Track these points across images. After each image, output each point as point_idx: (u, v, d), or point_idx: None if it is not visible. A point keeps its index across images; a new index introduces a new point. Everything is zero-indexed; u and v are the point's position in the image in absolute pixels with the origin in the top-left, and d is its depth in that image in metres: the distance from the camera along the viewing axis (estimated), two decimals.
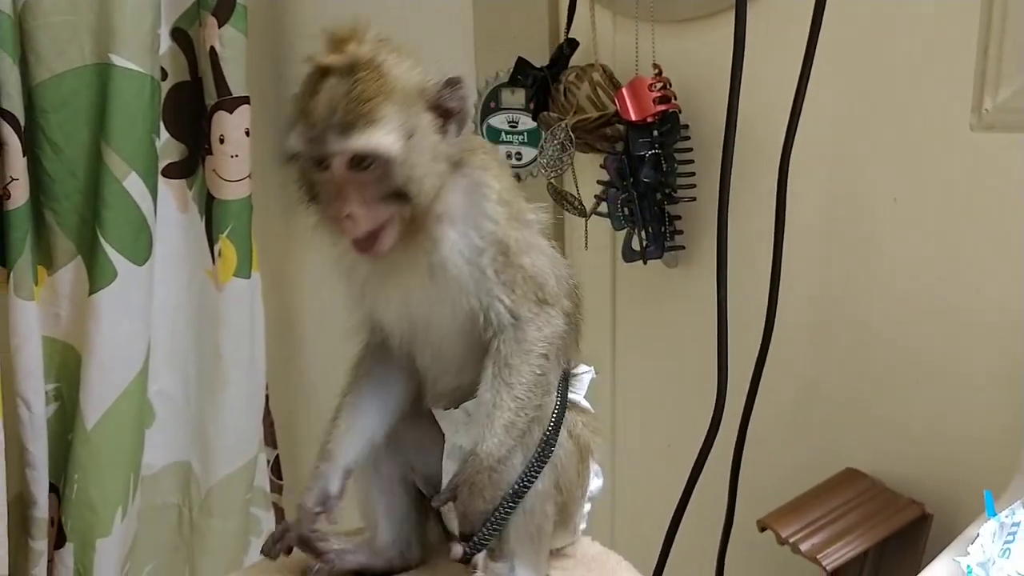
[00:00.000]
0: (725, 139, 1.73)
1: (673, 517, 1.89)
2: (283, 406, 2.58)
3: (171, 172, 2.26)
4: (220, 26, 2.19)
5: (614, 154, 1.96)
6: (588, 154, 2.03)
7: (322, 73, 1.22)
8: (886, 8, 1.77)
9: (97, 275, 2.08)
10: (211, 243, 2.31)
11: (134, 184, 2.09)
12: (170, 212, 2.25)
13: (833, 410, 1.96)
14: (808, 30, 1.67)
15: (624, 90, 1.91)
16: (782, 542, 1.75)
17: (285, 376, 2.63)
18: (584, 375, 1.46)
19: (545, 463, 1.33)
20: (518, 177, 2.23)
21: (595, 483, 1.48)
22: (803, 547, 1.73)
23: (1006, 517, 1.35)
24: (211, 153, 2.27)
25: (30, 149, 2.02)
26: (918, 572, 1.39)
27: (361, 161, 1.20)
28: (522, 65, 2.05)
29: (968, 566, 1.27)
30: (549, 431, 1.34)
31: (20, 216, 2.00)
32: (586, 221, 2.07)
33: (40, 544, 2.11)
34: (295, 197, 1.31)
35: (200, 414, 2.38)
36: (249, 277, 2.32)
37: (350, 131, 1.19)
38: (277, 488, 2.59)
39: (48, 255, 2.11)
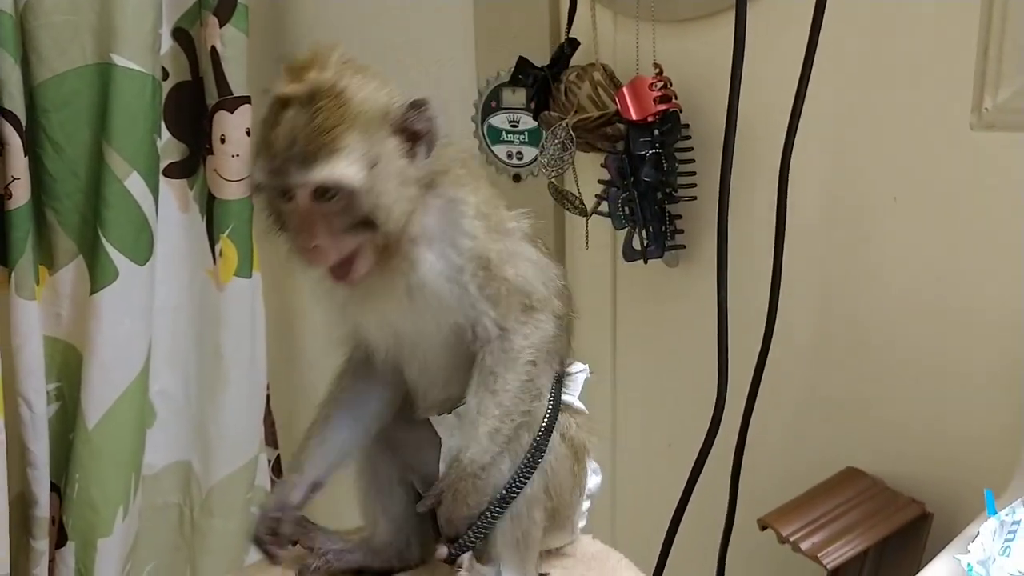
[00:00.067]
0: (725, 138, 1.73)
1: (674, 516, 1.90)
2: (284, 406, 2.57)
3: (172, 172, 2.26)
4: (221, 26, 2.19)
5: (615, 153, 1.96)
6: (589, 153, 2.03)
7: (283, 103, 1.19)
8: (886, 8, 1.77)
9: (98, 275, 2.09)
10: (212, 243, 2.31)
11: (135, 184, 2.09)
12: (171, 212, 2.25)
13: (833, 409, 1.96)
14: (808, 30, 1.67)
15: (625, 89, 1.91)
16: (783, 541, 1.75)
17: (286, 376, 2.63)
18: (578, 375, 1.46)
19: (535, 468, 1.33)
20: (518, 177, 2.23)
21: (593, 481, 1.48)
22: (804, 546, 1.73)
23: (1006, 515, 1.35)
24: (212, 153, 2.27)
25: (31, 148, 2.02)
26: (918, 571, 1.39)
27: (324, 192, 1.18)
28: (523, 65, 2.05)
29: (968, 564, 1.27)
30: (539, 436, 1.33)
31: (21, 216, 2.00)
32: (587, 220, 2.07)
33: (41, 543, 2.11)
34: (266, 225, 1.29)
35: (201, 414, 2.38)
36: (250, 277, 2.32)
37: (311, 163, 1.16)
38: None
39: (49, 255, 2.11)
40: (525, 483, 1.32)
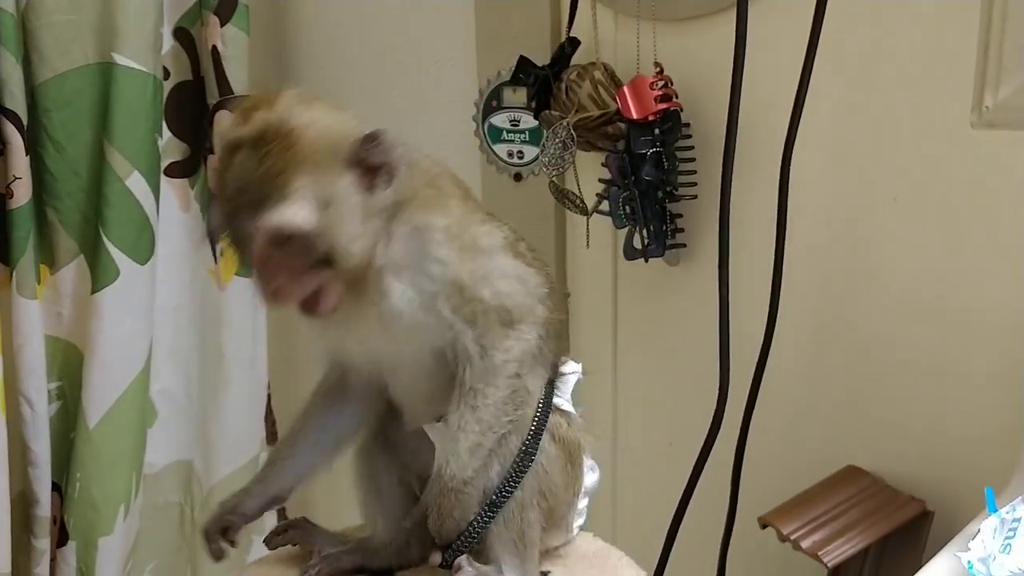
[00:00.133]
0: (727, 137, 1.73)
1: (675, 514, 1.90)
2: (285, 405, 2.57)
3: (173, 171, 2.26)
4: (222, 25, 2.20)
5: (615, 152, 1.96)
6: (590, 152, 2.03)
7: (233, 147, 1.17)
8: (887, 6, 1.77)
9: (99, 274, 2.09)
10: (213, 242, 2.31)
11: (136, 183, 2.09)
12: (172, 211, 2.25)
13: (834, 408, 1.96)
14: (809, 28, 1.67)
15: (625, 88, 1.91)
16: (783, 539, 1.75)
17: (287, 375, 2.63)
18: (570, 376, 1.45)
19: (524, 473, 1.32)
20: (519, 176, 2.24)
21: (590, 478, 1.48)
22: (804, 544, 1.73)
23: (1007, 513, 1.35)
24: (213, 152, 2.27)
25: (33, 148, 2.02)
26: (919, 569, 1.39)
27: (279, 237, 1.16)
28: (524, 64, 2.05)
29: (969, 562, 1.27)
30: (528, 440, 1.33)
31: (23, 215, 2.00)
32: (587, 219, 2.07)
33: (42, 542, 2.11)
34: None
35: (202, 413, 2.38)
36: (251, 276, 2.32)
37: (261, 209, 1.14)
38: None
39: (50, 254, 2.11)
40: (514, 488, 1.32)
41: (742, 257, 1.81)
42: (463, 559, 1.32)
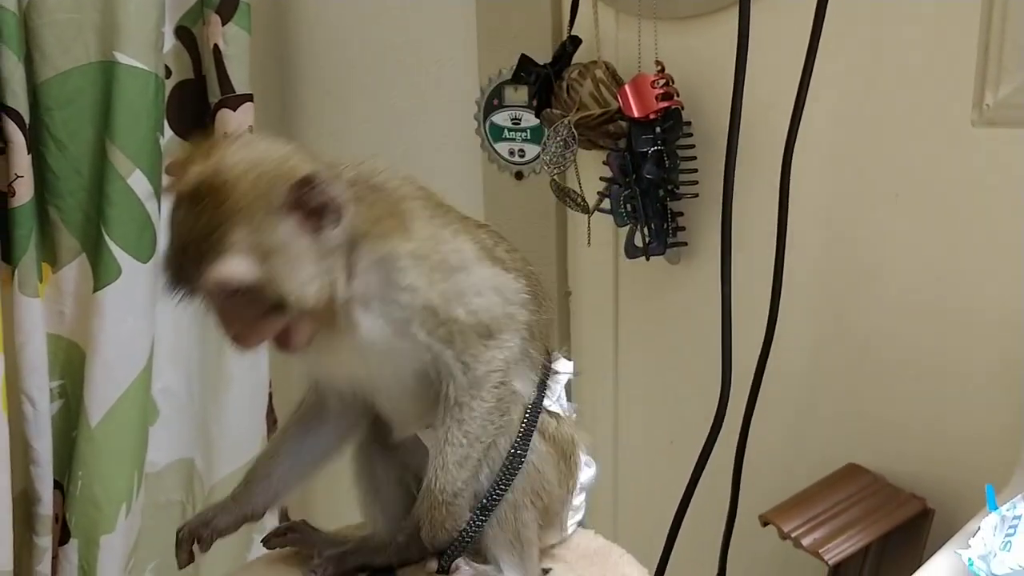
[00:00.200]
0: (729, 135, 1.73)
1: (676, 512, 1.90)
2: (286, 404, 2.57)
3: None
4: (224, 24, 2.19)
5: (617, 151, 1.97)
6: (591, 151, 2.03)
7: (175, 202, 1.17)
8: (888, 5, 1.77)
9: (101, 272, 2.08)
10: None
11: (138, 181, 2.09)
12: None
13: (835, 406, 1.97)
14: (810, 27, 1.67)
15: (627, 87, 1.92)
16: (784, 537, 1.76)
17: (288, 374, 2.63)
18: (561, 375, 1.44)
19: (514, 476, 1.32)
20: (520, 175, 2.24)
21: (587, 474, 1.47)
22: (805, 542, 1.73)
23: (1007, 511, 1.35)
24: None
25: (35, 146, 2.02)
26: (919, 566, 1.39)
27: (224, 291, 1.15)
28: (525, 62, 2.06)
29: (969, 559, 1.27)
30: (517, 443, 1.33)
31: (25, 213, 2.00)
32: (589, 217, 2.07)
33: (44, 540, 2.11)
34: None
35: (203, 411, 2.38)
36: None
37: (202, 266, 1.13)
38: None
39: (52, 252, 2.11)
40: (504, 491, 1.32)
41: (743, 255, 1.81)
42: (460, 560, 1.32)
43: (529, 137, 2.21)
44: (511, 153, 2.24)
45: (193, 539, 1.41)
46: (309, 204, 1.16)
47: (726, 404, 1.82)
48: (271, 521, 2.46)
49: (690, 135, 1.97)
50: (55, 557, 2.14)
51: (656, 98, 1.90)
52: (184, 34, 2.24)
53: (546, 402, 1.39)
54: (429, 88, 2.40)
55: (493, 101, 2.24)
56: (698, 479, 1.86)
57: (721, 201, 1.77)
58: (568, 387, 1.45)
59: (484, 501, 1.31)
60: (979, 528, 1.33)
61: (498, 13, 2.20)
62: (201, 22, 2.24)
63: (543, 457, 1.36)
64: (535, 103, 2.05)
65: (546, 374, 1.40)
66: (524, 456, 1.33)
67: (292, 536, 1.49)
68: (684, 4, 1.96)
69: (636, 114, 1.90)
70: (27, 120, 1.97)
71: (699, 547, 1.93)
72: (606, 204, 2.03)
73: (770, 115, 1.78)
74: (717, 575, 1.95)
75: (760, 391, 1.85)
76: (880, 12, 1.79)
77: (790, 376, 1.95)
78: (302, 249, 1.17)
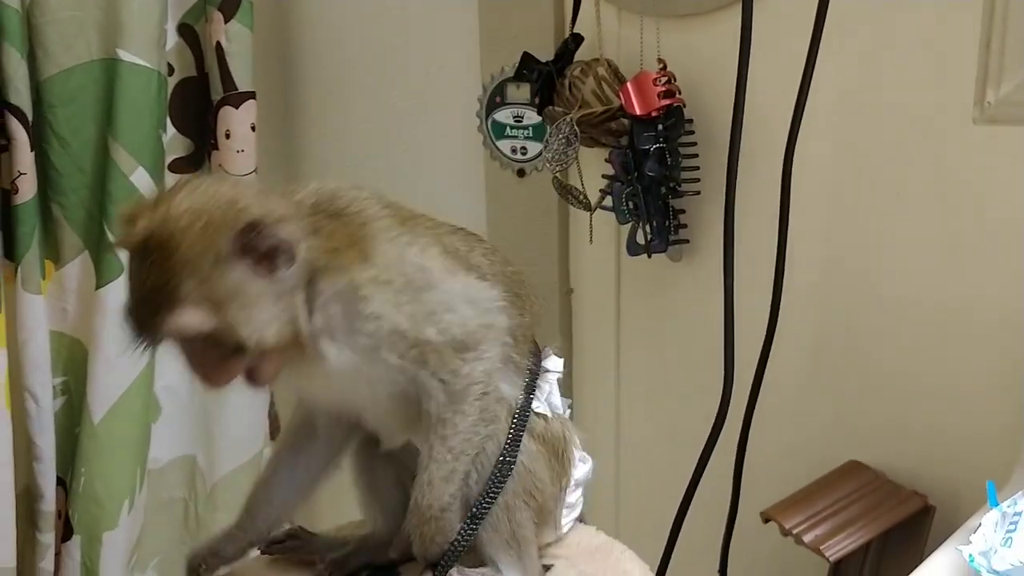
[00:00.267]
0: (732, 133, 1.73)
1: (679, 508, 1.90)
2: (288, 401, 2.58)
3: (178, 167, 2.26)
4: (226, 21, 2.20)
5: (619, 148, 1.97)
6: (593, 148, 2.04)
7: (129, 255, 1.16)
8: (889, 2, 1.77)
9: (104, 269, 2.09)
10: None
11: (141, 179, 2.09)
12: None
13: (836, 403, 1.97)
14: (811, 24, 1.67)
15: (629, 85, 1.92)
16: (785, 533, 1.76)
17: None
18: (551, 374, 1.42)
19: (503, 483, 1.31)
20: (522, 172, 2.24)
21: (581, 469, 1.46)
22: (806, 538, 1.74)
23: (1008, 507, 1.35)
24: (217, 148, 2.28)
25: (38, 144, 2.02)
26: (920, 563, 1.39)
27: (184, 338, 1.16)
28: (527, 60, 2.06)
29: (970, 555, 1.27)
30: (506, 450, 1.32)
31: (28, 211, 2.01)
32: (591, 215, 2.07)
33: (47, 537, 2.12)
34: None
35: (205, 409, 2.39)
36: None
37: (156, 318, 1.13)
38: None
39: (55, 249, 2.12)
40: (494, 499, 1.31)
41: (744, 253, 1.81)
42: (454, 571, 1.32)
43: (531, 135, 2.22)
44: (513, 151, 2.24)
45: (201, 565, 1.41)
46: (259, 248, 1.15)
47: (728, 401, 1.82)
48: None
49: (692, 132, 1.97)
50: (58, 553, 2.15)
51: (658, 96, 1.90)
52: (187, 31, 2.24)
53: (535, 404, 1.37)
54: (431, 86, 2.40)
55: (495, 99, 2.24)
56: (700, 476, 1.86)
57: (723, 198, 1.77)
58: (561, 383, 1.44)
59: (474, 510, 1.31)
60: (980, 524, 1.33)
61: (500, 11, 2.21)
62: (204, 19, 2.24)
63: (534, 456, 1.35)
64: (537, 101, 2.05)
65: (534, 375, 1.39)
66: (513, 462, 1.32)
67: (291, 543, 1.49)
68: (686, 2, 1.96)
69: (638, 112, 1.91)
70: (30, 117, 1.98)
71: (700, 543, 1.93)
72: (608, 201, 2.03)
73: (772, 112, 1.78)
74: (718, 571, 1.96)
75: (761, 388, 1.85)
76: (881, 9, 1.79)
77: (791, 373, 1.96)
78: (256, 293, 1.16)
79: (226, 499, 2.41)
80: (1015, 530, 1.30)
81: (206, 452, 2.41)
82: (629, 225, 2.03)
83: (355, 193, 1.28)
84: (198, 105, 2.28)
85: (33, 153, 2.00)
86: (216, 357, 1.18)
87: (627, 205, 1.98)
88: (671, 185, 1.97)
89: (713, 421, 1.84)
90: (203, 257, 1.13)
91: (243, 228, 1.13)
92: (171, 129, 2.23)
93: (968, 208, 1.76)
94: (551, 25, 2.14)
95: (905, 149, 1.81)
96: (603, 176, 2.04)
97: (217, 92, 2.25)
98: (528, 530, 1.36)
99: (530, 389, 1.37)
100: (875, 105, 1.82)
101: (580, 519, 1.53)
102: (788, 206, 1.78)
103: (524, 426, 1.34)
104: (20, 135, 1.97)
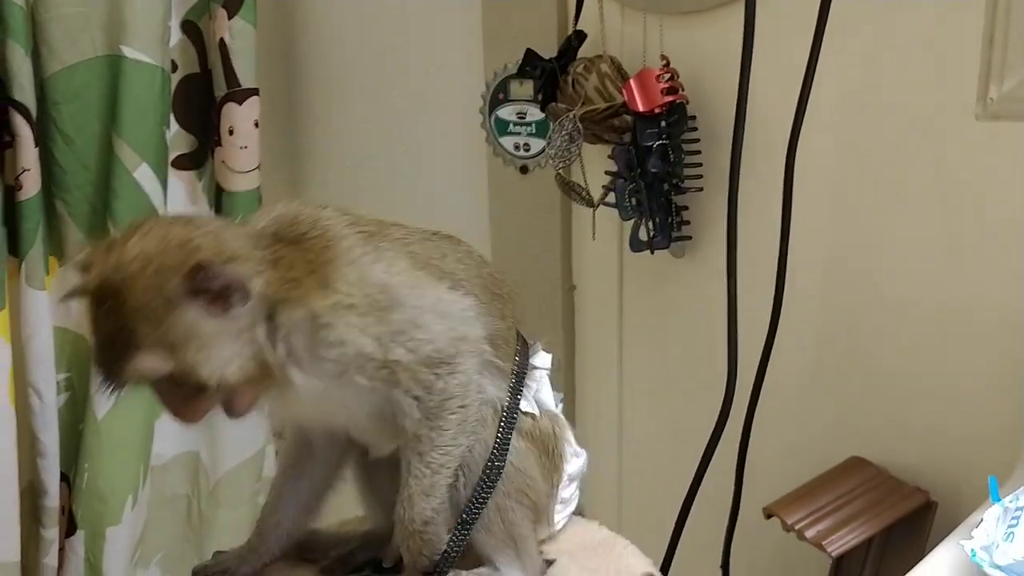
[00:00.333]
0: (735, 130, 1.74)
1: (683, 504, 1.90)
2: None
3: (181, 163, 2.27)
4: (230, 18, 2.20)
5: (622, 145, 1.97)
6: (596, 145, 2.04)
7: (87, 302, 1.16)
8: (891, 1, 1.78)
9: None
10: None
11: (145, 175, 2.10)
12: (180, 203, 2.26)
13: (838, 399, 1.97)
14: (814, 21, 1.68)
15: (632, 81, 1.92)
16: (788, 529, 1.76)
17: None
18: (539, 371, 1.41)
19: (492, 488, 1.31)
20: (525, 168, 2.24)
21: (575, 464, 1.45)
22: (808, 533, 1.74)
23: (1010, 502, 1.36)
24: (220, 144, 2.29)
25: (42, 140, 2.03)
26: (922, 559, 1.40)
27: (146, 380, 1.16)
28: (530, 57, 2.06)
29: (972, 550, 1.27)
30: (494, 454, 1.31)
31: (32, 207, 2.01)
32: (594, 211, 2.07)
33: (51, 532, 2.12)
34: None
35: None
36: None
37: (116, 364, 1.14)
38: None
39: (59, 246, 2.13)
40: (484, 504, 1.30)
41: (747, 249, 1.81)
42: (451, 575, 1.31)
43: (534, 131, 2.22)
44: (516, 147, 2.25)
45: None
46: (211, 288, 1.13)
47: (731, 397, 1.82)
48: None
49: (695, 129, 1.97)
50: (61, 549, 2.16)
51: (661, 92, 1.90)
52: (190, 28, 2.25)
53: (522, 403, 1.36)
54: (435, 82, 2.40)
55: (498, 95, 2.24)
56: (703, 472, 1.87)
57: (725, 195, 1.77)
58: (552, 377, 1.43)
59: (464, 515, 1.30)
60: (982, 520, 1.33)
61: (504, 7, 2.21)
62: (207, 16, 2.25)
63: (523, 455, 1.34)
64: (540, 97, 2.06)
65: (521, 376, 1.37)
66: (502, 466, 1.31)
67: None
68: None
69: (641, 108, 1.91)
70: (34, 114, 1.99)
71: (703, 539, 1.93)
72: (611, 198, 2.03)
73: (774, 109, 1.79)
74: (721, 566, 1.96)
75: (764, 384, 1.86)
76: (884, 6, 1.79)
77: (794, 369, 1.96)
78: (212, 333, 1.15)
79: (229, 495, 2.42)
80: (1017, 525, 1.31)
81: (209, 449, 2.42)
82: (632, 221, 2.03)
83: (318, 214, 1.26)
84: (202, 102, 2.29)
85: (37, 149, 2.00)
86: (184, 395, 1.18)
87: (630, 201, 1.98)
88: (674, 181, 1.97)
89: (716, 417, 1.84)
90: (155, 301, 1.12)
91: (190, 270, 1.12)
92: (175, 126, 2.24)
93: (968, 208, 1.76)
94: (554, 22, 2.14)
95: (906, 149, 1.81)
96: (606, 172, 2.04)
97: (220, 89, 2.26)
98: (524, 528, 1.36)
99: (516, 390, 1.35)
100: (878, 100, 1.82)
101: (579, 513, 1.52)
102: (791, 202, 1.78)
103: (512, 429, 1.32)
104: (24, 131, 1.97)
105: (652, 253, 2.02)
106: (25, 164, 1.99)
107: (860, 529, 1.75)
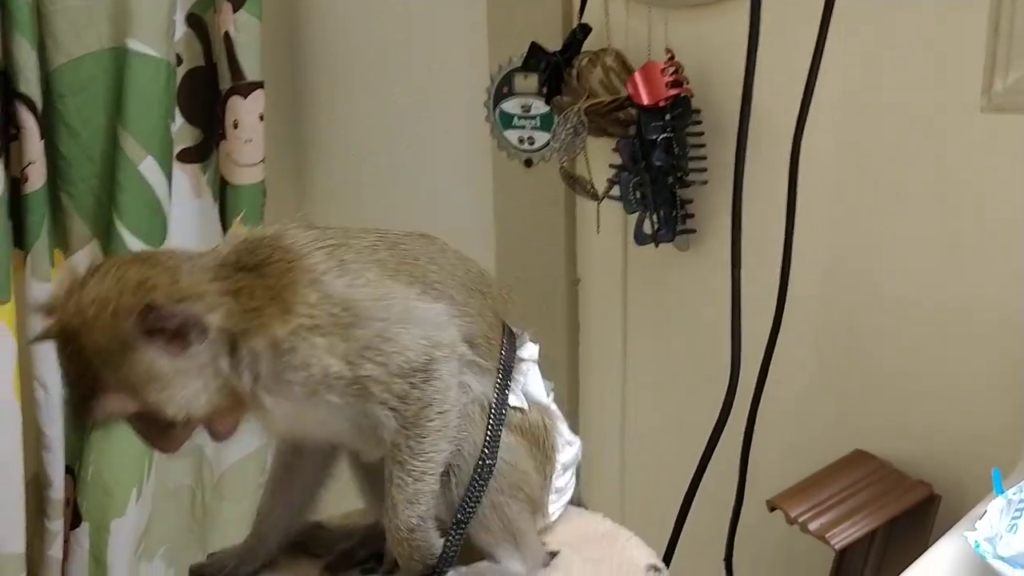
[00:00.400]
0: (740, 123, 1.74)
1: (685, 496, 1.91)
2: None
3: (186, 156, 2.27)
4: (235, 11, 2.20)
5: (626, 138, 1.97)
6: (601, 138, 2.04)
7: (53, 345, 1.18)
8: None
9: None
10: (224, 227, 2.32)
11: (150, 168, 2.10)
12: (184, 196, 2.27)
13: (842, 393, 1.97)
14: (820, 15, 1.68)
15: (636, 75, 1.92)
16: (791, 522, 1.76)
17: None
18: (525, 363, 1.39)
19: (484, 487, 1.29)
20: (529, 162, 2.24)
21: (568, 452, 1.44)
22: (812, 526, 1.74)
23: (1014, 494, 1.36)
24: (225, 138, 2.29)
25: (47, 133, 2.03)
26: (925, 552, 1.40)
27: (117, 420, 1.17)
28: (535, 50, 2.06)
29: (976, 541, 1.27)
30: (485, 454, 1.29)
31: (37, 199, 2.01)
32: (598, 204, 2.07)
33: (56, 524, 2.12)
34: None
35: None
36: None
37: (84, 405, 1.15)
38: None
39: (64, 238, 2.13)
40: (476, 505, 1.29)
41: (751, 243, 1.82)
42: (451, 573, 1.30)
43: (539, 125, 2.22)
44: (520, 141, 2.24)
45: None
46: (166, 328, 1.13)
47: (734, 391, 1.83)
48: None
49: (699, 123, 1.97)
50: (66, 541, 2.16)
51: (666, 86, 1.90)
52: (195, 21, 2.25)
53: (510, 399, 1.34)
54: (440, 75, 2.40)
55: (503, 89, 2.24)
56: (706, 464, 1.87)
57: (730, 188, 1.78)
58: (541, 366, 1.42)
59: (459, 515, 1.29)
60: (986, 511, 1.33)
61: (508, 1, 2.21)
62: (212, 10, 2.25)
63: (514, 450, 1.33)
64: (545, 91, 2.06)
65: (507, 371, 1.35)
66: (493, 464, 1.30)
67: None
68: None
69: (646, 102, 1.91)
70: (40, 107, 1.99)
71: (706, 532, 1.94)
72: (615, 191, 2.03)
73: (779, 103, 1.78)
74: (724, 559, 1.96)
75: (767, 378, 1.86)
76: (886, 3, 1.79)
77: (797, 363, 1.96)
78: (173, 372, 1.15)
79: (233, 488, 2.42)
80: (1021, 517, 1.31)
81: (212, 443, 2.42)
82: (636, 215, 2.03)
83: (280, 235, 1.25)
84: (206, 95, 2.29)
85: (43, 142, 2.00)
86: (160, 429, 1.19)
87: (634, 195, 1.98)
88: (678, 175, 1.97)
89: (719, 410, 1.84)
90: (113, 345, 1.13)
91: (141, 312, 1.12)
92: (180, 119, 2.23)
93: (969, 208, 1.77)
94: (559, 15, 2.14)
95: (906, 148, 1.81)
96: (610, 166, 2.04)
97: (225, 82, 2.26)
98: (522, 521, 1.35)
99: (504, 386, 1.34)
100: (883, 94, 1.82)
101: (578, 503, 1.52)
102: (795, 195, 1.79)
103: (500, 427, 1.31)
104: (30, 124, 1.97)
105: (656, 246, 2.02)
106: (31, 157, 1.99)
107: (864, 522, 1.75)
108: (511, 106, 2.23)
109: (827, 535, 1.72)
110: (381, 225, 1.32)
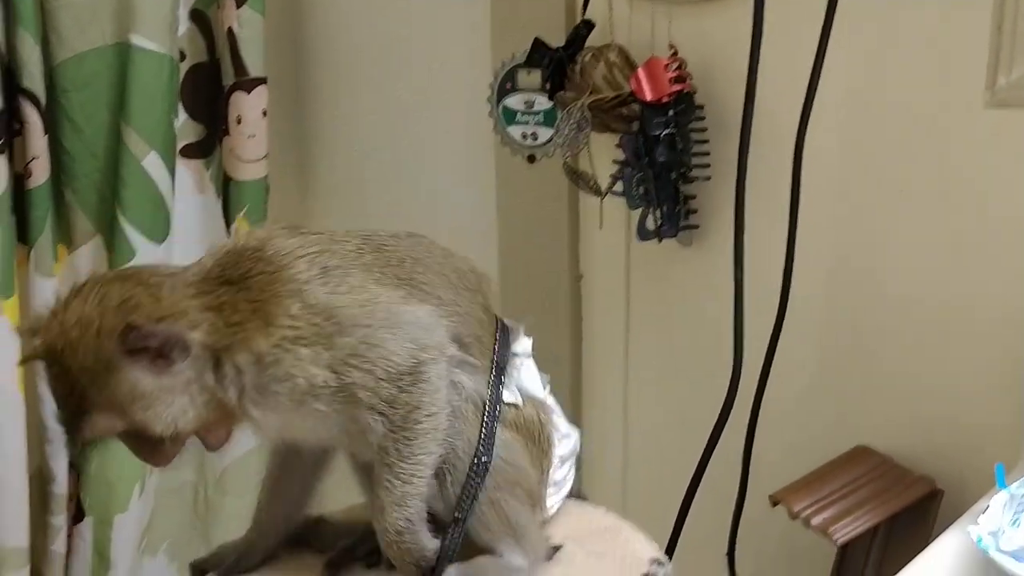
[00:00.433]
0: (743, 119, 1.74)
1: (687, 491, 1.91)
2: None
3: (189, 152, 2.28)
4: (238, 7, 2.20)
5: (630, 134, 1.97)
6: (604, 134, 2.04)
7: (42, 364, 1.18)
8: None
9: (116, 253, 2.10)
10: (228, 223, 2.33)
11: (153, 163, 2.10)
12: (188, 191, 2.27)
13: (844, 388, 1.97)
14: (823, 11, 1.68)
15: (640, 70, 1.92)
16: (794, 516, 1.76)
17: None
18: (518, 358, 1.39)
19: (480, 484, 1.29)
20: (532, 158, 2.24)
21: (565, 445, 1.44)
22: (814, 521, 1.74)
23: (1016, 489, 1.36)
24: (228, 133, 2.29)
25: (51, 128, 2.03)
26: (928, 547, 1.40)
27: (105, 438, 1.18)
28: (538, 46, 2.06)
29: (978, 536, 1.28)
30: (480, 452, 1.29)
31: (40, 195, 2.02)
32: (601, 200, 2.08)
33: (59, 519, 2.13)
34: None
35: None
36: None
37: (73, 424, 1.16)
38: None
39: (68, 233, 2.13)
40: (474, 501, 1.29)
41: (754, 238, 1.82)
42: (451, 570, 1.29)
43: (542, 120, 2.22)
44: (524, 137, 2.24)
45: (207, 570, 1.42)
46: (148, 347, 1.14)
47: (737, 386, 1.83)
48: None
49: (702, 119, 1.97)
50: (69, 535, 2.16)
51: (669, 81, 1.90)
52: (199, 17, 2.25)
53: (505, 395, 1.34)
54: (443, 71, 2.40)
55: (506, 85, 2.24)
56: (709, 459, 1.87)
57: (733, 184, 1.78)
58: (535, 359, 1.42)
59: (456, 514, 1.28)
60: (988, 506, 1.34)
61: None
62: (215, 5, 2.25)
63: (509, 446, 1.32)
64: (548, 86, 2.06)
65: (500, 368, 1.35)
66: (489, 462, 1.29)
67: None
68: None
69: (649, 97, 1.91)
70: (43, 102, 1.99)
71: (709, 527, 1.94)
72: (619, 187, 2.03)
73: (782, 99, 1.79)
74: (727, 554, 1.97)
75: (770, 374, 1.86)
76: (888, 6, 1.79)
77: (800, 358, 1.96)
78: (158, 390, 1.16)
79: (235, 483, 2.42)
80: (1023, 511, 1.31)
81: None
82: (639, 210, 2.03)
83: (263, 245, 1.24)
84: (210, 90, 2.29)
85: (46, 137, 2.01)
86: (150, 444, 1.20)
87: (637, 190, 1.99)
88: (681, 171, 1.97)
89: (721, 406, 1.85)
90: (97, 365, 1.13)
91: (122, 332, 1.13)
92: (183, 114, 2.23)
93: (972, 205, 1.77)
94: (562, 11, 2.14)
95: (909, 146, 1.81)
96: (614, 161, 2.04)
97: (229, 77, 2.26)
98: (522, 516, 1.35)
99: (497, 383, 1.33)
100: (887, 89, 1.82)
101: (578, 495, 1.53)
102: (799, 191, 1.79)
103: (495, 425, 1.31)
104: (33, 119, 1.97)
105: (659, 242, 2.02)
106: (34, 152, 1.99)
107: (866, 517, 1.75)
108: (514, 102, 2.23)
109: (829, 530, 1.72)
110: (383, 220, 1.34)
